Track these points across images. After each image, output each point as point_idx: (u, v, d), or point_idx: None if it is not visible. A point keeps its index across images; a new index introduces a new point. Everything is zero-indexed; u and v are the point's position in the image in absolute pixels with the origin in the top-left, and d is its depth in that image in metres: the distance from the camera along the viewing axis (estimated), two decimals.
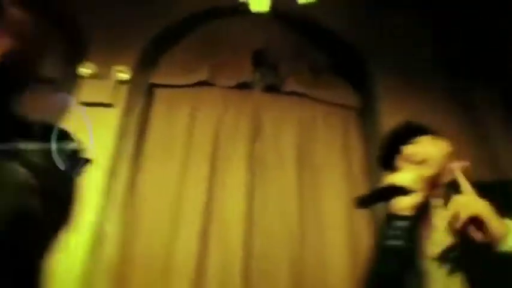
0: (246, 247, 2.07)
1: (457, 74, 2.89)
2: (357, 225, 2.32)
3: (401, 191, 1.00)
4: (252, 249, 2.09)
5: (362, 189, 2.47)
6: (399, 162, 1.14)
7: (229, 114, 2.49)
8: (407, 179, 1.01)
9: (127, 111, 2.38)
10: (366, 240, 2.26)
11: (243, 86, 2.64)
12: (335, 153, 2.54)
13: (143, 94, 2.58)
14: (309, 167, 2.44)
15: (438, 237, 1.03)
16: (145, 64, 2.61)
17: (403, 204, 1.00)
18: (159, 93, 2.59)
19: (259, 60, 2.77)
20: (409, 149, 1.13)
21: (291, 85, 2.70)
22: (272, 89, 2.69)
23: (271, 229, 2.17)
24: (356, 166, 2.57)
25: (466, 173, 1.03)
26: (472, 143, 2.67)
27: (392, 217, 1.02)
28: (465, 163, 1.09)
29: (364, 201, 1.08)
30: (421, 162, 1.09)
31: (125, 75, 2.37)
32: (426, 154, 1.11)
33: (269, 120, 2.53)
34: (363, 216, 2.34)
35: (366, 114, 2.78)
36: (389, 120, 2.60)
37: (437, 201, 1.09)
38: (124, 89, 2.39)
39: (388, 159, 1.20)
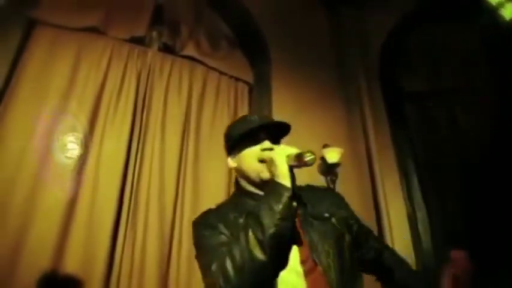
0: (117, 211, 2.03)
1: (342, 65, 3.19)
2: None
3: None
4: (123, 214, 2.06)
5: None
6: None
7: (117, 69, 2.33)
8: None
9: None
10: None
11: (136, 41, 2.49)
12: (222, 125, 2.60)
13: (20, 28, 2.25)
14: (194, 135, 2.47)
15: None
16: None
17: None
18: (40, 31, 2.28)
19: (159, 17, 2.65)
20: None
21: (188, 49, 2.65)
22: (167, 49, 2.61)
23: (146, 197, 2.14)
24: None
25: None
26: (347, 124, 2.99)
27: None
28: None
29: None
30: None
31: None
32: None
33: (158, 82, 2.45)
34: None
35: (257, 90, 2.89)
36: (278, 97, 2.77)
37: None
38: None
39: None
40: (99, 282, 1.84)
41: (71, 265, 1.82)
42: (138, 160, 2.18)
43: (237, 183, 1.34)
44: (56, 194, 1.90)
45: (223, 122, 2.63)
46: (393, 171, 2.87)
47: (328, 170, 2.70)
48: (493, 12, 3.08)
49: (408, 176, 2.88)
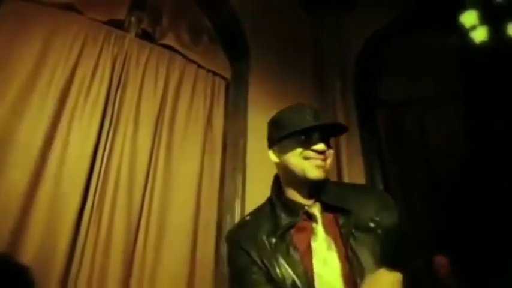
0: (81, 201, 1.94)
1: (319, 69, 3.23)
2: (205, 193, 2.41)
3: None
4: (88, 201, 1.97)
5: (218, 158, 2.57)
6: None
7: (92, 52, 2.21)
8: None
9: None
10: (210, 210, 2.39)
11: (114, 24, 2.38)
12: (197, 118, 2.57)
13: None
14: (167, 127, 2.41)
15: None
16: None
17: None
18: (8, 3, 2.11)
19: (140, 2, 2.55)
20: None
21: (167, 39, 2.58)
22: (146, 37, 2.52)
23: (114, 188, 2.06)
24: (216, 133, 2.64)
25: None
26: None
27: None
28: None
29: None
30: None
31: None
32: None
33: (134, 70, 2.36)
34: (211, 187, 2.45)
35: (234, 87, 2.86)
36: (254, 95, 2.76)
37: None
38: None
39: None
40: (59, 274, 1.76)
41: (29, 257, 1.72)
42: (107, 149, 2.10)
43: (276, 184, 1.28)
44: (15, 181, 1.78)
45: (198, 116, 2.60)
46: (361, 178, 2.94)
47: None
48: (465, 34, 3.21)
49: (374, 184, 2.96)
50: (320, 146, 1.16)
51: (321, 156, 1.16)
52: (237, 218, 2.37)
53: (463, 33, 3.35)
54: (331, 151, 1.22)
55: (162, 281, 2.06)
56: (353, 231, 1.09)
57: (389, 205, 1.19)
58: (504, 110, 3.13)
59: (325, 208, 1.17)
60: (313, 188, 1.19)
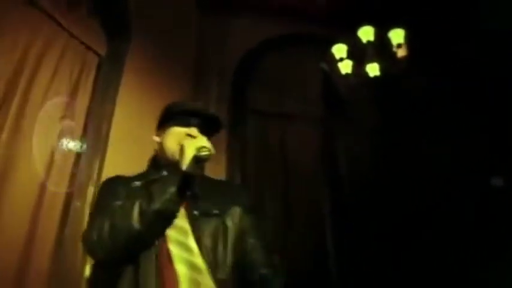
0: None
1: (200, 71, 3.28)
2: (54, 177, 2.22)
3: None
4: None
5: (75, 139, 2.39)
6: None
7: None
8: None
9: None
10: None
11: None
12: (57, 93, 2.33)
13: None
14: (21, 96, 2.12)
15: None
16: None
17: None
18: None
19: None
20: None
21: (44, 4, 2.27)
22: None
23: None
24: (78, 113, 2.45)
25: None
26: None
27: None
28: None
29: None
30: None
31: None
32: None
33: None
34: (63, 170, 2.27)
35: (108, 66, 2.69)
36: (128, 80, 2.66)
37: None
38: None
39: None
40: None
41: None
42: None
43: (154, 158, 1.39)
44: None
45: (59, 90, 2.35)
46: (222, 174, 3.06)
47: None
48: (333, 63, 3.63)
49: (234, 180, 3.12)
50: (192, 130, 1.29)
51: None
52: (87, 204, 2.25)
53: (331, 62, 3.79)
54: None
55: None
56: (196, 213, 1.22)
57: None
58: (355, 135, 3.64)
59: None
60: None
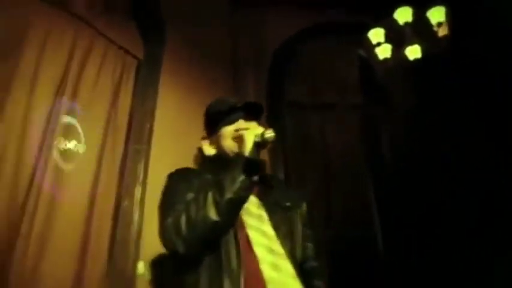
0: None
1: (235, 63, 3.28)
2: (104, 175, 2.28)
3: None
4: None
5: (121, 140, 2.46)
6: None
7: None
8: None
9: None
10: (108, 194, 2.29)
11: None
12: (102, 95, 2.41)
13: None
14: (69, 97, 2.20)
15: None
16: None
17: None
18: None
19: None
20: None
21: (78, 6, 2.36)
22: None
23: None
24: (122, 114, 2.52)
25: None
26: None
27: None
28: None
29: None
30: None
31: None
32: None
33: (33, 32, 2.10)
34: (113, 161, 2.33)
35: (146, 68, 2.74)
36: (166, 80, 2.70)
37: None
38: None
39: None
40: None
41: None
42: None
43: (218, 156, 1.46)
44: None
45: (104, 92, 2.42)
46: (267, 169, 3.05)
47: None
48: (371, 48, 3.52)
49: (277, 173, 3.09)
50: (240, 123, 1.38)
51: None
52: (135, 204, 2.30)
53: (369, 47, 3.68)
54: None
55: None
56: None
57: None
58: (395, 121, 3.52)
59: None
60: None
